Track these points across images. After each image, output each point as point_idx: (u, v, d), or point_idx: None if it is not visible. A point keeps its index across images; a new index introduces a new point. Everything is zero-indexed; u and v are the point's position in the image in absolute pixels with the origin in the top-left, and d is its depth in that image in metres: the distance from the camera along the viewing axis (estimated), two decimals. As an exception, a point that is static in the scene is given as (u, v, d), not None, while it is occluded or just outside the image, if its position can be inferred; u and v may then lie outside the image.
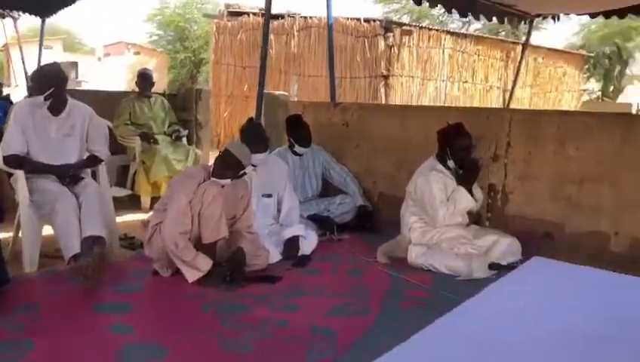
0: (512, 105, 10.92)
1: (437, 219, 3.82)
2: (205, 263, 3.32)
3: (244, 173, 3.53)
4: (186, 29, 24.66)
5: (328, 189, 4.95)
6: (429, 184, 3.82)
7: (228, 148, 3.46)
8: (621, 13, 6.32)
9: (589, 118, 4.02)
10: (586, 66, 19.98)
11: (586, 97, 24.51)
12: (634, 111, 16.46)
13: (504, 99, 10.68)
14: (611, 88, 24.25)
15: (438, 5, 5.91)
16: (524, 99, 11.51)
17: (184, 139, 5.81)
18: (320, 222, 4.50)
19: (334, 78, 5.83)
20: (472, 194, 3.86)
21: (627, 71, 24.79)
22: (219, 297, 3.15)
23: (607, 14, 6.58)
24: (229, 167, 3.41)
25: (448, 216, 3.82)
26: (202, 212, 3.31)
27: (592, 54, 17.63)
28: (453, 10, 6.30)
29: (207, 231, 3.35)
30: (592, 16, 7.20)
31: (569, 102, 13.07)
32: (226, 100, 11.17)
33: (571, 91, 13.14)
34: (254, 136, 4.01)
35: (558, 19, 7.30)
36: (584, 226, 3.90)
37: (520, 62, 8.57)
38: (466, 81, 10.53)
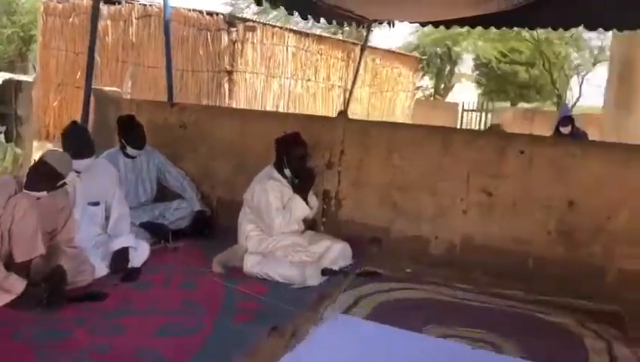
0: (352, 104, 11.41)
1: (273, 228, 3.85)
2: (18, 284, 3.00)
3: (64, 184, 3.24)
4: (12, 1, 22.31)
5: (165, 194, 4.75)
6: (265, 192, 3.83)
7: (44, 158, 3.15)
8: (447, 24, 6.91)
9: (415, 130, 4.31)
10: (421, 65, 21.64)
11: (420, 94, 26.49)
12: (460, 110, 18.15)
13: (344, 98, 11.10)
14: (442, 86, 26.45)
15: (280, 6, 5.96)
16: (363, 98, 12.09)
17: (1, 136, 5.23)
18: (153, 230, 4.30)
19: (172, 76, 5.61)
20: (307, 202, 3.94)
21: (456, 70, 27.20)
22: (33, 322, 2.87)
23: (435, 24, 7.14)
24: (44, 178, 3.11)
25: (284, 224, 3.86)
26: (13, 228, 2.99)
27: (425, 57, 18.99)
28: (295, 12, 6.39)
29: (19, 249, 3.02)
30: (423, 24, 7.74)
31: (403, 102, 13.97)
32: (55, 88, 10.26)
33: (406, 91, 14.05)
34: (78, 140, 3.70)
35: (394, 25, 7.75)
36: (407, 231, 4.18)
37: (359, 63, 8.99)
38: (309, 80, 10.77)
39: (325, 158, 4.40)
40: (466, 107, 17.90)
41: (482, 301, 3.54)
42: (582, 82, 21.39)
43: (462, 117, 18.09)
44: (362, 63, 11.12)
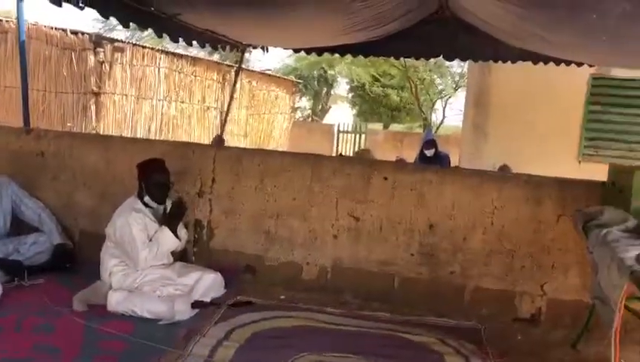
0: (230, 126, 11.36)
1: (139, 262, 3.69)
2: None
3: None
4: None
5: (21, 227, 4.39)
6: (128, 225, 3.67)
7: None
8: (318, 51, 7.13)
9: (286, 158, 4.35)
10: (297, 88, 22.15)
11: (299, 114, 26.97)
12: (335, 131, 18.68)
13: (221, 120, 11.00)
14: (320, 107, 27.15)
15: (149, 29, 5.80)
16: (241, 120, 12.06)
17: None
18: (6, 267, 3.95)
19: (27, 98, 5.23)
20: (176, 234, 3.83)
21: (332, 92, 28.06)
22: None
23: (307, 51, 7.33)
24: None
25: (151, 257, 3.72)
26: None
27: (301, 80, 19.41)
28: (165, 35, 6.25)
29: None
30: (296, 51, 7.91)
31: (281, 123, 14.13)
32: None
33: (283, 113, 14.23)
34: None
35: (267, 50, 7.84)
36: (281, 258, 4.20)
37: (234, 86, 8.99)
38: (183, 101, 10.54)
39: (196, 186, 4.32)
40: (341, 128, 18.49)
41: (352, 324, 3.64)
42: (445, 106, 23.00)
43: (337, 138, 18.64)
44: (239, 86, 11.17)
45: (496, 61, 6.67)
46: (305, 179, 4.15)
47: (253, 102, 12.64)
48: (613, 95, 7.82)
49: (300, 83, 17.57)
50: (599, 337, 3.16)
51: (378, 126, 23.23)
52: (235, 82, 8.87)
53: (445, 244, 3.92)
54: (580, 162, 7.96)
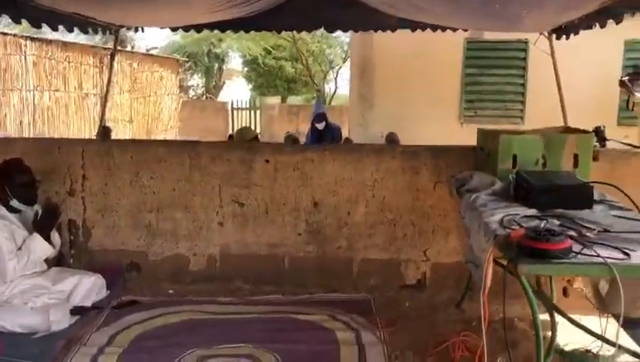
0: (114, 112, 10.80)
1: (7, 273, 3.40)
2: None
3: None
4: None
5: None
6: (-8, 235, 3.36)
7: None
8: (197, 28, 6.83)
9: (160, 146, 4.15)
10: (184, 66, 21.51)
11: (192, 93, 26.21)
12: (229, 108, 18.31)
13: (102, 106, 10.41)
14: (213, 84, 26.51)
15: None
16: (124, 105, 11.47)
17: None
18: None
19: None
20: (50, 241, 3.57)
21: (225, 67, 27.48)
22: None
23: (184, 29, 7.01)
24: None
25: (20, 267, 3.44)
26: None
27: (186, 58, 18.78)
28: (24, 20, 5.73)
29: None
30: (173, 29, 7.57)
31: (169, 105, 13.63)
32: None
33: (170, 94, 13.72)
34: None
35: (143, 30, 7.44)
36: (165, 251, 4.05)
37: (110, 70, 8.46)
38: (57, 90, 9.84)
39: (66, 185, 4.03)
40: (236, 105, 18.16)
41: (243, 312, 3.59)
42: (336, 76, 23.16)
43: (232, 115, 18.30)
44: (118, 69, 10.59)
45: (376, 30, 6.72)
46: (183, 169, 3.99)
47: (136, 85, 12.06)
48: (487, 57, 8.20)
49: (187, 60, 16.96)
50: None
51: (276, 99, 23.03)
52: (112, 66, 8.33)
53: (330, 220, 3.94)
54: (462, 124, 8.32)
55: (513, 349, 2.87)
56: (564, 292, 3.27)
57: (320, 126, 8.05)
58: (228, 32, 8.02)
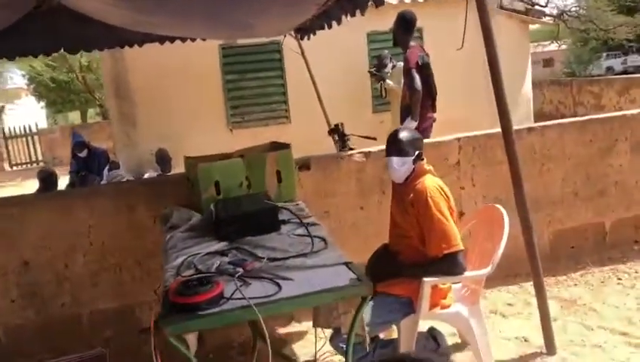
0: None
1: None
2: None
3: None
4: None
5: None
6: None
7: None
8: None
9: None
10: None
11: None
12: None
13: None
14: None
15: None
16: None
17: None
18: None
19: None
20: None
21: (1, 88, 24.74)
22: None
23: None
24: None
25: None
26: None
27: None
28: None
29: None
30: None
31: None
32: None
33: None
34: None
35: None
36: None
37: None
38: None
39: None
40: (10, 133, 16.26)
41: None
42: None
43: (6, 146, 16.48)
44: None
45: (122, 47, 6.32)
46: None
47: None
48: (244, 62, 8.22)
49: None
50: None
51: (74, 115, 21.01)
52: None
53: (48, 277, 3.57)
54: (231, 130, 8.27)
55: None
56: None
57: (82, 154, 7.49)
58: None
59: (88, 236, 3.59)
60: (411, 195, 2.79)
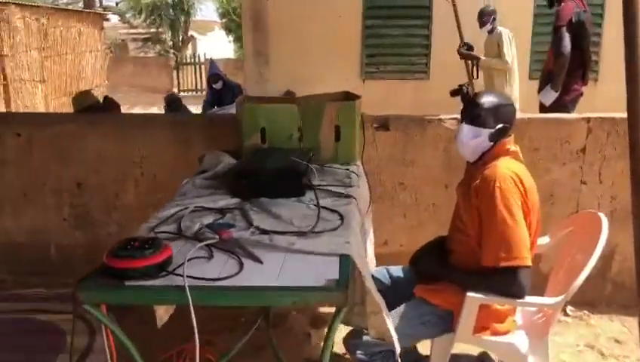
0: (19, 71, 10.12)
1: None
2: None
3: None
4: None
5: None
6: None
7: None
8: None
9: None
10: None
11: (157, 48, 25.24)
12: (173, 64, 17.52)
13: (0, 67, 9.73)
14: (181, 38, 25.54)
15: None
16: (33, 65, 10.70)
17: None
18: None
19: None
20: None
21: (192, 20, 26.43)
22: None
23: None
24: None
25: None
26: None
27: (106, 12, 17.85)
28: None
29: None
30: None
31: (92, 63, 12.87)
32: None
33: (94, 51, 12.94)
34: None
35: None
36: None
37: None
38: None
39: None
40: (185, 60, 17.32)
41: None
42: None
43: (177, 72, 17.59)
44: (22, 25, 9.90)
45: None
46: None
47: (48, 43, 11.26)
48: (389, 6, 7.53)
49: (106, 15, 15.85)
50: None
51: None
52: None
53: (98, 204, 3.44)
54: (364, 80, 7.73)
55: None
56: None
57: (217, 86, 7.48)
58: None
59: (140, 166, 3.37)
60: (477, 181, 2.08)
